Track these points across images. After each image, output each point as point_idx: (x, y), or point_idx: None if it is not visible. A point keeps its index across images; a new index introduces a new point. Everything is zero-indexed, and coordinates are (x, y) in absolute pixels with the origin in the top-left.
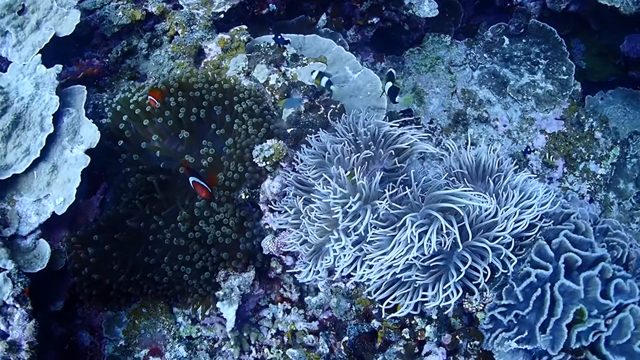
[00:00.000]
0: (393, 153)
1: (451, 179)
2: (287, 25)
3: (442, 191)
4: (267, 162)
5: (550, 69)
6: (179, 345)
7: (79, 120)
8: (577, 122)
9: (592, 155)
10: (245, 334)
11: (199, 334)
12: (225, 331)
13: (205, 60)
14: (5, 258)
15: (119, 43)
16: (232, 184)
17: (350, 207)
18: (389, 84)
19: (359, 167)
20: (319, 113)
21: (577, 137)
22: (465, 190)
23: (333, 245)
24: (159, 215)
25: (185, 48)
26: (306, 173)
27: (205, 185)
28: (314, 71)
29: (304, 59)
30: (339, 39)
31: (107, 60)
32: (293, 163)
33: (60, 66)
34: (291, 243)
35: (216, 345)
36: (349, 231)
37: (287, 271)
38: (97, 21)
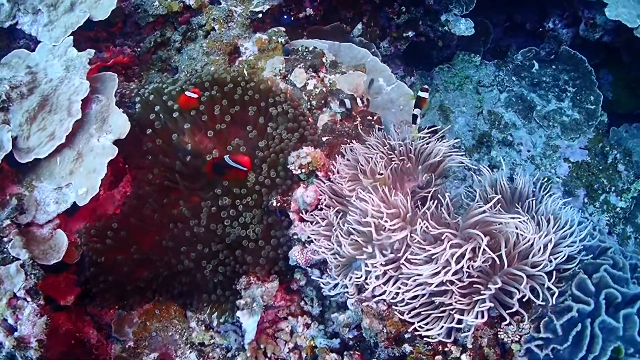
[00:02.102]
0: (427, 168)
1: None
2: (321, 31)
3: (482, 213)
4: (303, 170)
5: (577, 98)
6: (190, 352)
7: (108, 108)
8: (601, 153)
9: (613, 188)
10: (262, 346)
11: (212, 341)
12: (239, 340)
13: (240, 59)
14: (20, 247)
15: (153, 33)
16: (262, 189)
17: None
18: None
19: (392, 181)
20: (355, 123)
21: (600, 167)
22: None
23: (366, 260)
24: (181, 210)
25: (221, 45)
26: (341, 184)
27: (240, 167)
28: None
29: (342, 66)
30: (372, 50)
31: (139, 49)
32: (329, 173)
33: (92, 51)
34: (322, 251)
35: (229, 355)
36: (383, 249)
37: (312, 282)
38: (132, 9)
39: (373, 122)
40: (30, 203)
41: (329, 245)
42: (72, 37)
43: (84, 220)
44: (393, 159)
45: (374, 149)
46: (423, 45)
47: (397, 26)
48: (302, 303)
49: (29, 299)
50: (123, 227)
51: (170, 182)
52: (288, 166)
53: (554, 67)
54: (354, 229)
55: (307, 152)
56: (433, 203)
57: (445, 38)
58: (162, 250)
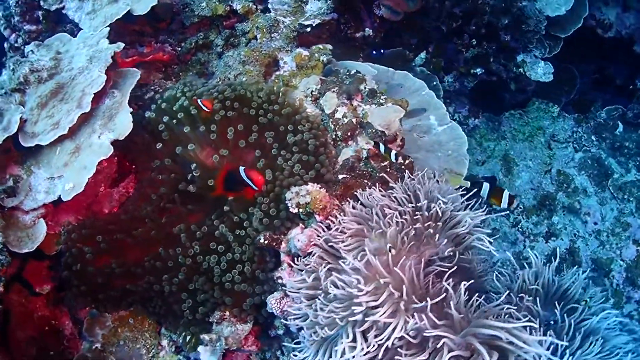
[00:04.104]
0: (452, 238)
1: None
2: (382, 55)
3: (495, 322)
4: (300, 210)
5: None
6: None
7: (119, 105)
8: None
9: None
10: None
11: None
12: None
13: (277, 72)
14: None
15: (196, 34)
16: (259, 226)
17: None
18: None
19: (404, 246)
20: (383, 165)
21: None
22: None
23: (344, 344)
24: (176, 232)
25: (259, 55)
26: (338, 239)
27: (252, 185)
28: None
29: (382, 97)
30: (434, 83)
31: (180, 49)
32: (331, 218)
33: (121, 44)
34: (296, 315)
35: None
36: (369, 334)
37: (291, 334)
38: (181, 7)
39: (403, 167)
40: (23, 187)
41: (305, 308)
42: (108, 29)
43: (76, 214)
44: (417, 218)
45: (395, 202)
46: (494, 86)
47: (465, 60)
48: (279, 353)
49: None
50: (110, 233)
51: (170, 200)
52: (286, 202)
53: None
54: (334, 305)
55: (308, 190)
56: (449, 283)
57: (519, 81)
58: (145, 268)
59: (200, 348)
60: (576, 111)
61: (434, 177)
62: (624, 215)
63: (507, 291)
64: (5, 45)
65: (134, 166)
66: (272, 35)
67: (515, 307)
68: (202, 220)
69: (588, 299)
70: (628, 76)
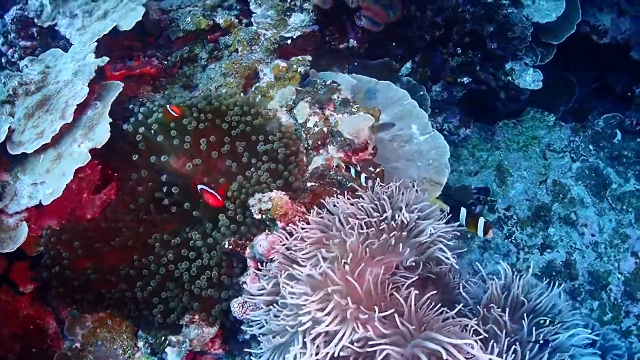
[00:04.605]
0: (415, 247)
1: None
2: (368, 66)
3: (438, 335)
4: (263, 216)
5: None
6: None
7: (100, 116)
8: None
9: None
10: None
11: None
12: None
13: (257, 84)
14: None
15: (182, 48)
16: (226, 232)
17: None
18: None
19: (367, 255)
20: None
21: None
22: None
23: (294, 351)
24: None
25: (240, 67)
26: (296, 247)
27: (216, 194)
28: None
29: (354, 106)
30: (420, 93)
31: (166, 62)
32: (292, 226)
33: (106, 58)
34: (254, 323)
35: None
36: (318, 341)
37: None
38: (167, 22)
39: (374, 174)
40: (9, 192)
41: (264, 314)
42: (95, 44)
43: (59, 218)
44: (383, 228)
45: (362, 211)
46: (485, 95)
47: (451, 69)
48: (247, 358)
49: None
50: (89, 239)
51: (147, 210)
52: (251, 209)
53: (639, 140)
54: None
55: (270, 197)
56: (408, 293)
57: (508, 89)
58: (120, 275)
59: (167, 349)
60: (575, 120)
61: (413, 186)
62: (623, 226)
63: (471, 303)
64: (3, 60)
65: (116, 174)
66: (253, 48)
67: (481, 319)
68: (177, 228)
69: (557, 315)
70: (626, 83)
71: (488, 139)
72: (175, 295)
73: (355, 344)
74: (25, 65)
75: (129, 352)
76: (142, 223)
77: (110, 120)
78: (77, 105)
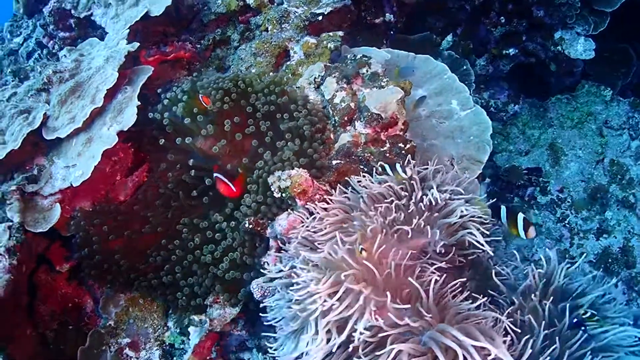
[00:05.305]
0: (443, 229)
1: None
2: (408, 42)
3: (455, 331)
4: (283, 194)
5: None
6: (156, 349)
7: (130, 100)
8: None
9: None
10: None
11: (181, 345)
12: None
13: (287, 63)
14: (15, 211)
15: (214, 31)
16: (248, 211)
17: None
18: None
19: (389, 238)
20: (382, 149)
21: None
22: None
23: (307, 337)
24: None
25: (270, 46)
26: (319, 227)
27: (230, 184)
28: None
29: (384, 80)
30: (464, 67)
31: (199, 46)
32: (311, 205)
33: (136, 44)
34: (271, 307)
35: None
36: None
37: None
38: (200, 6)
39: (404, 152)
40: (45, 175)
41: (282, 297)
42: (128, 31)
43: (93, 200)
44: (412, 211)
45: (390, 190)
46: (536, 68)
47: (495, 41)
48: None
49: (6, 256)
50: (119, 221)
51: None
52: (271, 187)
53: None
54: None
55: (289, 174)
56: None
57: (560, 61)
58: (149, 259)
59: (190, 328)
60: (634, 95)
61: (451, 164)
62: None
63: (505, 291)
64: (44, 51)
65: (148, 156)
66: (283, 26)
67: (517, 308)
68: (205, 212)
69: (605, 310)
70: None
71: (540, 115)
72: (200, 276)
73: (368, 331)
74: (64, 55)
75: (159, 331)
76: (171, 208)
77: (139, 103)
78: (107, 90)
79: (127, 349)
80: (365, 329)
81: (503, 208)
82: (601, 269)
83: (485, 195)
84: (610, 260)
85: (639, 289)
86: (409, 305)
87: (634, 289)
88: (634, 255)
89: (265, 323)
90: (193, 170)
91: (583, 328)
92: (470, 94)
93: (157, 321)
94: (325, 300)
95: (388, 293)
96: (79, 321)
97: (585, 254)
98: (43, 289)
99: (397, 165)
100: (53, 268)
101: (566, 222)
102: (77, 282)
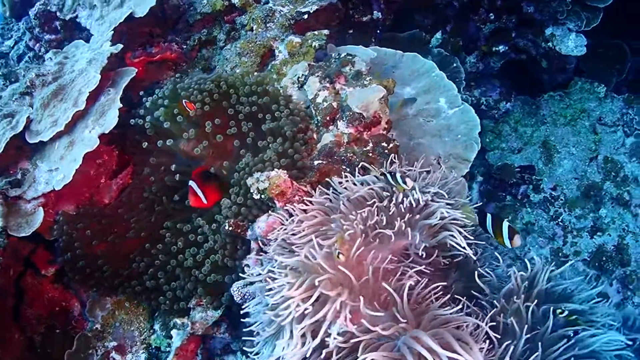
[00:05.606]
0: (424, 230)
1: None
2: (397, 39)
3: (427, 339)
4: (262, 195)
5: None
6: (142, 352)
7: (112, 102)
8: None
9: None
10: None
11: (167, 348)
12: None
13: (272, 62)
14: None
15: (200, 31)
16: (229, 213)
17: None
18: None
19: (368, 240)
20: (365, 149)
21: None
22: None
23: (283, 341)
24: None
25: (254, 46)
26: (293, 231)
27: (201, 194)
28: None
29: (367, 78)
30: (453, 65)
31: (185, 47)
32: (290, 206)
33: (120, 46)
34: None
35: None
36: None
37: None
38: (186, 6)
39: (387, 151)
40: (28, 179)
41: (259, 301)
42: (112, 32)
43: (77, 204)
44: (393, 213)
45: (370, 193)
46: (528, 66)
47: (485, 38)
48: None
49: None
50: (102, 225)
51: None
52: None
53: None
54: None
55: (267, 176)
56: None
57: (551, 57)
58: (132, 263)
59: (173, 331)
60: (630, 92)
61: (438, 163)
62: None
63: (489, 292)
64: (31, 54)
65: (131, 159)
66: (268, 25)
67: (499, 311)
68: (188, 216)
69: (590, 314)
70: None
71: (532, 112)
72: (183, 280)
73: (341, 337)
74: (50, 57)
75: (145, 334)
76: (154, 212)
77: (121, 105)
78: (89, 92)
79: (114, 352)
80: (338, 334)
81: (489, 216)
82: (590, 274)
83: (470, 197)
84: (604, 259)
85: (633, 287)
86: (382, 313)
87: (629, 287)
88: (628, 253)
89: (245, 328)
90: (178, 175)
91: (569, 334)
92: (460, 92)
93: (143, 324)
94: (298, 305)
95: (361, 297)
96: (66, 325)
97: (571, 261)
98: (30, 293)
99: (398, 175)
100: (38, 272)
101: (559, 220)
102: (63, 285)
